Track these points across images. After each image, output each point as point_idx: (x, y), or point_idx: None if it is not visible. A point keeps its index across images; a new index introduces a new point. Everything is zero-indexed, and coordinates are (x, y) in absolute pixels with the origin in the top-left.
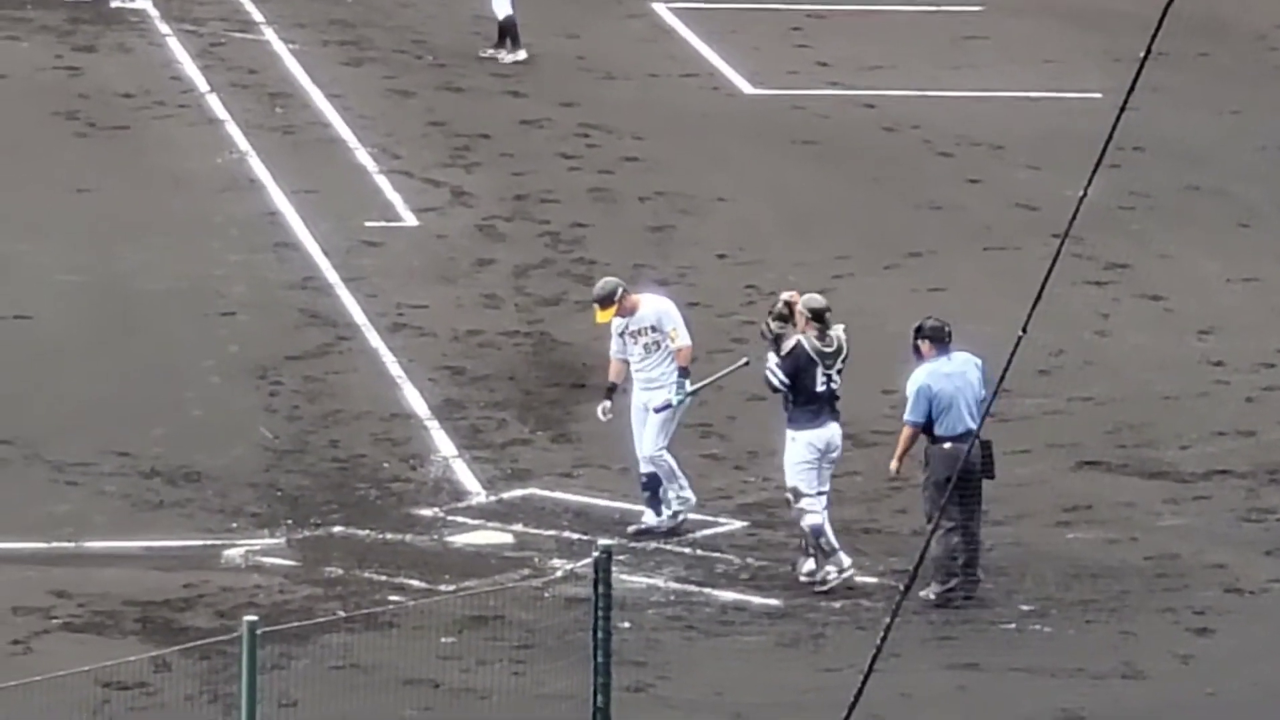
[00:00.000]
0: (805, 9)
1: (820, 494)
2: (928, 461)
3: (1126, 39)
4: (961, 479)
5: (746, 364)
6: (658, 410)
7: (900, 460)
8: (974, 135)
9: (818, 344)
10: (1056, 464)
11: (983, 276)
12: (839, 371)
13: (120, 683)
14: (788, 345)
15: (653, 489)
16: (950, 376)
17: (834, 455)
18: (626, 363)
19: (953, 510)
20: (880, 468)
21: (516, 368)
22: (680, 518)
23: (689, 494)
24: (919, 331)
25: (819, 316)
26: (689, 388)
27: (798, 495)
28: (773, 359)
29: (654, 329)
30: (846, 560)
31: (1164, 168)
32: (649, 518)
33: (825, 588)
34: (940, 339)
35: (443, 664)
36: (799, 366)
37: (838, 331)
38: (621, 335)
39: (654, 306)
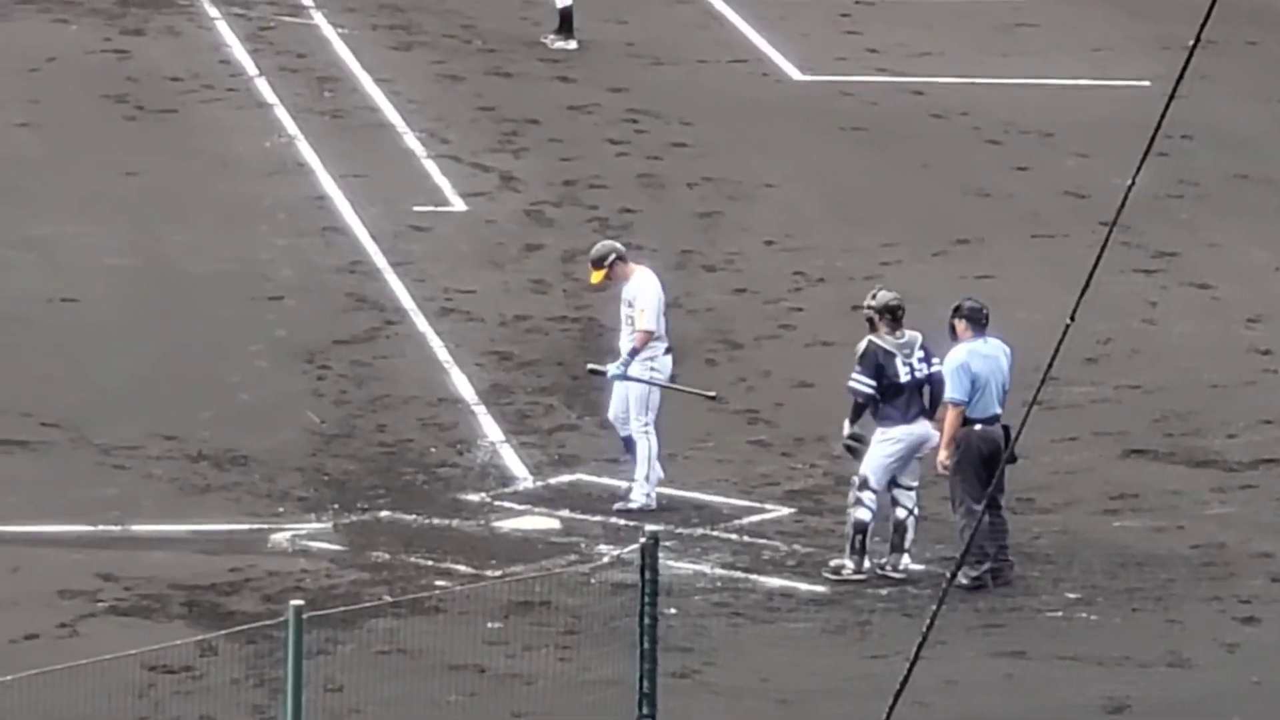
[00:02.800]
0: None
1: (909, 488)
2: (958, 445)
3: (1176, 26)
4: (991, 461)
5: (714, 398)
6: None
7: (948, 448)
8: (1022, 123)
9: (891, 339)
10: (1103, 452)
11: (1031, 264)
12: (920, 360)
13: (166, 666)
14: (860, 349)
15: (632, 450)
16: (987, 359)
17: (923, 452)
18: None
19: (982, 492)
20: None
21: (564, 353)
22: (633, 505)
23: (643, 497)
24: (957, 311)
25: (892, 313)
26: (633, 372)
27: (863, 485)
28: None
29: (629, 304)
30: (868, 565)
31: (1213, 156)
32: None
33: (833, 576)
34: (978, 320)
35: (489, 649)
36: (879, 363)
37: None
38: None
39: (637, 282)
